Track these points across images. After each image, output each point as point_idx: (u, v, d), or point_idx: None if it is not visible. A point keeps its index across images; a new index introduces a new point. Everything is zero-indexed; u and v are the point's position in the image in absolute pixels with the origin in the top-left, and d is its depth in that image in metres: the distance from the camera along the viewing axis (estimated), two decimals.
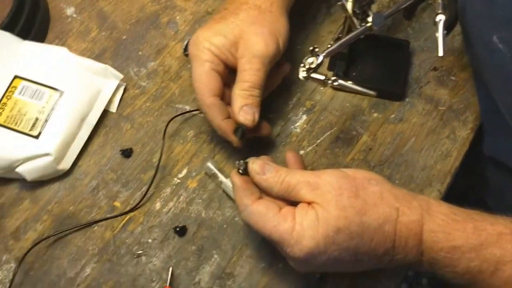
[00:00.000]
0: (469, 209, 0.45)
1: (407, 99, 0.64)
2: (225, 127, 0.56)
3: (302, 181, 0.46)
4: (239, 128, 0.55)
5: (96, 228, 0.58)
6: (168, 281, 0.53)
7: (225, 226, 0.57)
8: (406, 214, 0.44)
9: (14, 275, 0.53)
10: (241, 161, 0.52)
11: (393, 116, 0.63)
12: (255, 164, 0.49)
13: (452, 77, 0.66)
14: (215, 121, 0.56)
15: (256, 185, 0.50)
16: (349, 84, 0.62)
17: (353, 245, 0.43)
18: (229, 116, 0.56)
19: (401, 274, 0.54)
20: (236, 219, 0.58)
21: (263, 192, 0.49)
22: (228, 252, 0.56)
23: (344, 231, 0.43)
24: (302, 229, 0.43)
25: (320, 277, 0.53)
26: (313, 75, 0.56)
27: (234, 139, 0.56)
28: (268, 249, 0.55)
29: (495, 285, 0.41)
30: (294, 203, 0.47)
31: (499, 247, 0.41)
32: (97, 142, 0.64)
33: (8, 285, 0.54)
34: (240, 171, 0.51)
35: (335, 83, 0.61)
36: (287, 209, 0.46)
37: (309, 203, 0.45)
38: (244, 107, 0.55)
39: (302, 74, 0.55)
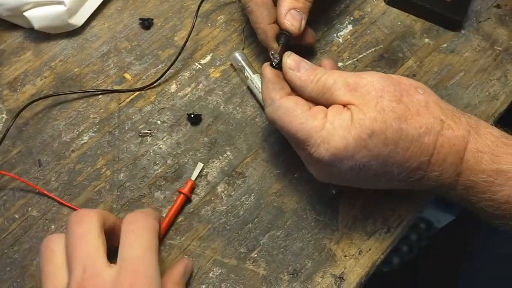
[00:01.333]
0: None
1: (462, 31, 0.58)
2: (271, 32, 0.49)
3: (340, 81, 0.41)
4: (283, 34, 0.48)
5: (100, 96, 0.52)
6: (195, 176, 0.48)
7: (243, 124, 0.52)
8: (451, 128, 0.39)
9: (8, 129, 0.47)
10: (276, 53, 0.46)
11: (445, 45, 0.57)
12: (290, 59, 0.44)
13: None
14: (261, 24, 0.49)
15: (288, 83, 0.44)
16: None
17: (385, 153, 0.39)
18: (276, 21, 0.49)
19: (420, 208, 0.50)
20: (257, 119, 0.52)
21: (294, 91, 0.44)
22: (242, 151, 0.51)
23: (379, 135, 0.38)
24: (333, 128, 0.39)
25: (336, 193, 0.49)
26: None
27: (274, 47, 0.49)
28: (286, 157, 0.50)
29: None
30: (327, 106, 0.42)
31: None
32: (115, 6, 0.56)
33: None
34: (273, 63, 0.45)
35: None
36: (318, 107, 0.42)
37: (344, 105, 0.40)
38: (292, 11, 0.48)
39: None
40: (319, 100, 0.42)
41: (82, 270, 0.34)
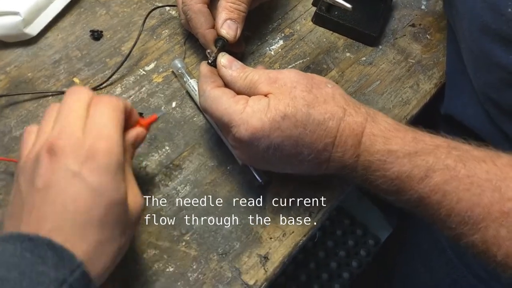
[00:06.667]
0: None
1: (380, 47, 0.66)
2: (209, 36, 0.56)
3: (264, 76, 0.48)
4: (221, 39, 0.55)
5: (50, 98, 0.57)
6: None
7: (182, 123, 0.57)
8: (352, 115, 0.46)
9: None
10: (213, 53, 0.53)
11: (364, 58, 0.65)
12: (224, 58, 0.50)
13: (427, 36, 0.68)
14: (200, 29, 0.56)
15: (221, 78, 0.50)
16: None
17: (296, 134, 0.45)
18: (213, 26, 0.56)
19: (338, 197, 0.55)
20: (194, 119, 0.58)
21: (227, 86, 0.50)
22: (180, 146, 0.56)
23: (290, 118, 0.44)
24: (252, 111, 0.45)
25: (264, 183, 0.54)
26: None
27: (213, 49, 0.56)
28: (220, 152, 0.56)
29: (422, 192, 0.43)
30: None
31: (433, 156, 0.43)
32: (68, 20, 0.62)
33: None
34: (209, 61, 0.52)
35: None
36: (242, 96, 0.48)
37: (265, 95, 0.47)
38: (228, 21, 0.55)
39: None
40: (247, 93, 0.49)
41: (59, 131, 0.39)
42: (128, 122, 0.45)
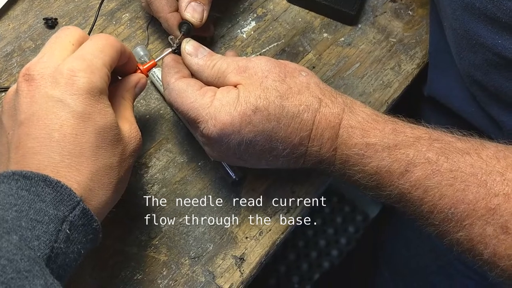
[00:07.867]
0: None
1: (359, 25, 0.62)
2: (172, 20, 0.51)
3: (232, 65, 0.44)
4: (185, 24, 0.50)
5: (3, 95, 0.52)
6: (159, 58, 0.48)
7: (147, 116, 0.53)
8: (328, 106, 0.42)
9: None
10: (176, 39, 0.48)
11: (342, 39, 0.61)
12: (188, 44, 0.46)
13: (409, 12, 0.64)
14: (162, 13, 0.51)
15: (187, 67, 0.46)
16: None
17: (269, 129, 0.41)
18: (177, 9, 0.52)
19: (317, 192, 0.52)
20: (161, 111, 0.54)
21: (193, 76, 0.46)
22: (145, 142, 0.52)
23: (262, 111, 0.41)
24: (220, 105, 0.41)
25: (238, 179, 0.51)
26: None
27: (176, 35, 0.51)
28: (191, 146, 0.52)
29: (403, 187, 0.40)
30: None
31: (414, 149, 0.40)
32: (20, 7, 0.57)
33: None
34: (173, 48, 0.47)
35: None
36: (209, 87, 0.44)
37: (235, 86, 0.43)
38: (193, 3, 0.50)
39: None
40: (215, 84, 0.45)
41: (38, 58, 0.38)
42: (127, 68, 0.45)
